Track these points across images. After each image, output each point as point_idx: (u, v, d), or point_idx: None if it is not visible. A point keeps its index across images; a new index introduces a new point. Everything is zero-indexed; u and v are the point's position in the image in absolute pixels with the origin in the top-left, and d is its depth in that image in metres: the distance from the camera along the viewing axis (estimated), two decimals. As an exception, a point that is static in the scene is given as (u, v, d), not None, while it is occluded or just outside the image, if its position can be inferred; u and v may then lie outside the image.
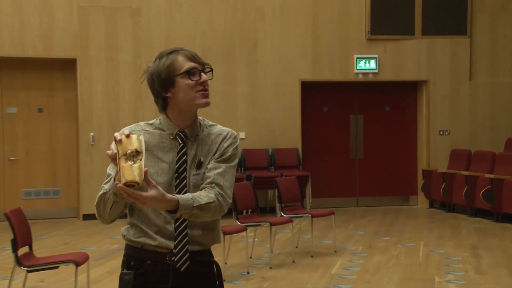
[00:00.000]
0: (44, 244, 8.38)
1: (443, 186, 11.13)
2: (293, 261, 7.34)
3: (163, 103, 2.46)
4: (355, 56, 11.53)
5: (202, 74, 2.44)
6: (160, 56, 2.46)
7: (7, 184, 10.56)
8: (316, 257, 7.58)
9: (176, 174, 2.44)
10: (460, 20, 11.81)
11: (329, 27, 11.44)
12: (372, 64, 11.57)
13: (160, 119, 2.50)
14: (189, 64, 2.42)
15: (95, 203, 2.38)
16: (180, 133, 2.47)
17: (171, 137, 2.47)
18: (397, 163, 12.17)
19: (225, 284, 6.44)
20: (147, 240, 2.43)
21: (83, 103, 10.51)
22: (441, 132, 11.85)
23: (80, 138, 10.51)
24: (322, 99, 11.94)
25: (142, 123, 2.52)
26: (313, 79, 11.44)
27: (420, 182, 11.89)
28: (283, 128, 11.29)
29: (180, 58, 2.42)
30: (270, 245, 7.49)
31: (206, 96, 2.45)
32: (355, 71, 11.54)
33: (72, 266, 5.27)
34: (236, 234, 7.01)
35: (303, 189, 10.05)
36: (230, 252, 7.35)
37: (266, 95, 11.25)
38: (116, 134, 2.22)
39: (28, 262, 5.26)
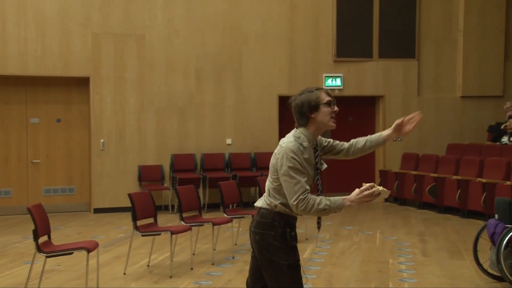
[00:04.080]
0: (61, 234, 8.28)
1: (396, 183, 11.19)
2: (271, 247, 7.30)
3: (306, 121, 3.07)
4: (324, 75, 11.57)
5: (334, 106, 3.11)
6: (309, 91, 3.07)
7: (30, 182, 10.44)
8: (290, 243, 7.55)
9: (317, 170, 3.15)
10: (410, 46, 11.93)
11: (302, 51, 11.47)
12: (338, 82, 11.62)
13: (302, 132, 3.08)
14: (328, 98, 3.08)
15: (320, 208, 3.04)
16: (315, 145, 3.15)
17: (312, 146, 3.11)
18: (358, 164, 12.15)
19: (214, 267, 6.44)
20: (293, 213, 3.13)
21: (95, 114, 10.43)
22: (395, 139, 11.84)
23: (92, 144, 10.42)
24: (296, 111, 11.92)
25: (297, 142, 3.06)
26: (289, 94, 11.43)
27: (377, 180, 11.93)
28: (264, 135, 11.27)
29: (323, 94, 3.07)
30: (252, 234, 7.44)
31: (335, 121, 3.13)
32: (324, 87, 11.56)
33: (84, 252, 5.20)
34: (223, 225, 6.98)
35: (280, 186, 10.01)
36: (218, 240, 7.31)
37: (250, 107, 11.23)
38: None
39: (47, 249, 5.19)
